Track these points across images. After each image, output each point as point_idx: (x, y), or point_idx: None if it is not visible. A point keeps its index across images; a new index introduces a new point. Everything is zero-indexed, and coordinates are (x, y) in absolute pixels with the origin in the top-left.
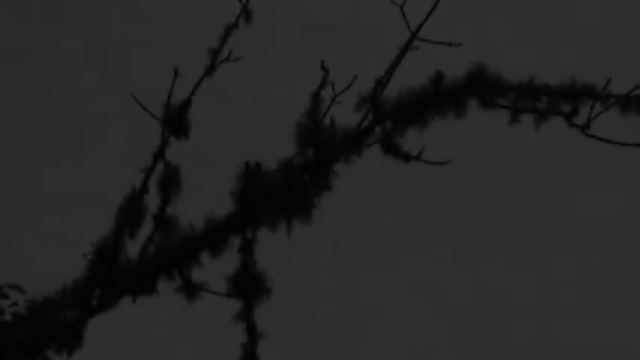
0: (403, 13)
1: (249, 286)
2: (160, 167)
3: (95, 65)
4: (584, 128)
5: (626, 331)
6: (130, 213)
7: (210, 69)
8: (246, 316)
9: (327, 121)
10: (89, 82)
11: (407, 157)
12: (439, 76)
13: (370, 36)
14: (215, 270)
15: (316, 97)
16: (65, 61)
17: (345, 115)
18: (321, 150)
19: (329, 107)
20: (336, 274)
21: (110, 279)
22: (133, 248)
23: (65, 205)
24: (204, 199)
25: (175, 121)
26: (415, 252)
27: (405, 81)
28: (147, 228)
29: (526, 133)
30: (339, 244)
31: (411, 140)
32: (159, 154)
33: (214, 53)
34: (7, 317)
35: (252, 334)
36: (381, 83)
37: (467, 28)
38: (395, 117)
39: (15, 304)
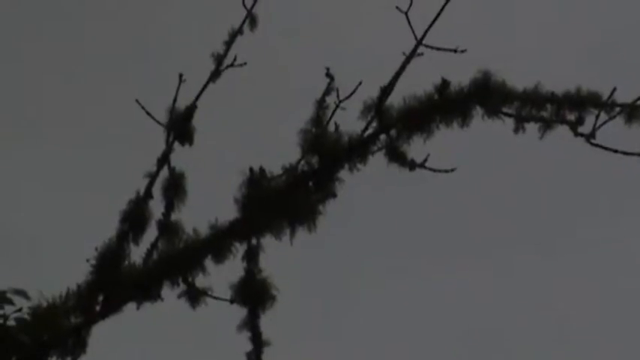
0: (408, 20)
1: (254, 294)
2: (164, 173)
3: (98, 69)
4: (590, 137)
5: None
6: (134, 219)
7: (215, 74)
8: (251, 324)
9: (331, 128)
10: (91, 85)
11: (412, 165)
12: (445, 84)
13: (375, 42)
14: (221, 277)
15: (321, 103)
16: (66, 64)
17: (350, 122)
18: (326, 156)
19: (333, 113)
20: (343, 282)
21: (114, 285)
22: (136, 254)
23: (66, 209)
24: (209, 206)
25: (180, 127)
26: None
27: (410, 88)
28: (151, 234)
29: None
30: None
31: (415, 147)
32: (163, 160)
33: (219, 58)
34: (12, 323)
35: (258, 342)
36: (385, 90)
37: (472, 35)
38: (400, 125)
39: (19, 309)
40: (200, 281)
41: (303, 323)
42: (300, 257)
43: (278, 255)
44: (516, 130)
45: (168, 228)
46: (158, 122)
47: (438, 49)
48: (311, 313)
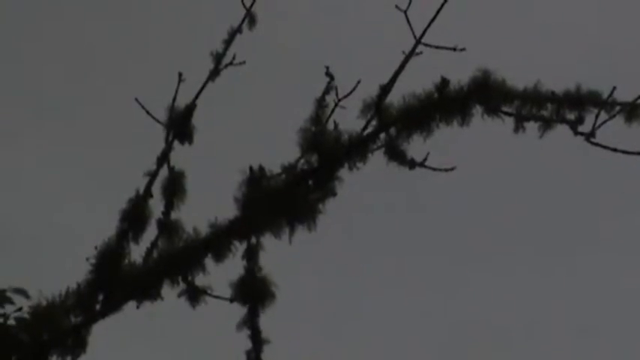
0: (407, 19)
1: (254, 292)
2: (164, 172)
3: (98, 68)
4: (589, 136)
5: None
6: (134, 217)
7: (214, 73)
8: (250, 322)
9: (330, 126)
10: (92, 85)
11: (411, 164)
12: (444, 82)
13: (374, 41)
14: (222, 275)
15: (321, 102)
16: (66, 64)
17: (350, 120)
18: (325, 155)
19: (332, 112)
20: (343, 281)
21: (113, 283)
22: (136, 253)
23: (66, 207)
24: (209, 204)
25: (179, 126)
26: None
27: (410, 87)
28: (151, 233)
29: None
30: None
31: (415, 146)
32: (163, 159)
33: (218, 57)
34: (12, 322)
35: (257, 341)
36: (385, 89)
37: (472, 33)
38: (399, 123)
39: (20, 309)
40: (200, 280)
41: (303, 321)
42: (300, 255)
43: (278, 253)
44: (516, 130)
45: (168, 227)
46: (158, 121)
47: (437, 47)
48: (311, 311)
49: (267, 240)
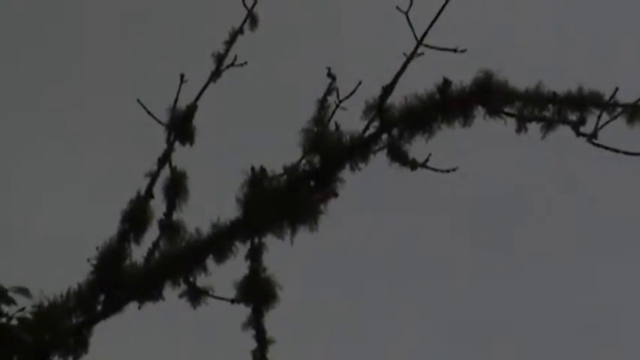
0: (408, 20)
1: (258, 292)
2: (165, 172)
3: (99, 68)
4: (592, 137)
5: None
6: (135, 218)
7: (216, 74)
8: (255, 322)
9: (332, 127)
10: (93, 86)
11: (413, 165)
12: (446, 83)
13: (375, 42)
14: (225, 276)
15: (322, 103)
16: (66, 64)
17: (352, 121)
18: (327, 156)
19: (333, 113)
20: (346, 281)
21: (115, 284)
22: (138, 254)
23: (67, 208)
24: (211, 205)
25: (181, 127)
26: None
27: (412, 88)
28: (153, 233)
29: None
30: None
31: (417, 147)
32: (164, 160)
33: (219, 58)
34: (14, 322)
35: (262, 340)
36: (387, 90)
37: (474, 34)
38: (402, 124)
39: (22, 309)
40: (201, 281)
41: (303, 321)
42: (304, 255)
43: (283, 253)
44: (518, 130)
45: (169, 227)
46: (159, 122)
47: (439, 48)
48: (316, 312)
49: (270, 241)
